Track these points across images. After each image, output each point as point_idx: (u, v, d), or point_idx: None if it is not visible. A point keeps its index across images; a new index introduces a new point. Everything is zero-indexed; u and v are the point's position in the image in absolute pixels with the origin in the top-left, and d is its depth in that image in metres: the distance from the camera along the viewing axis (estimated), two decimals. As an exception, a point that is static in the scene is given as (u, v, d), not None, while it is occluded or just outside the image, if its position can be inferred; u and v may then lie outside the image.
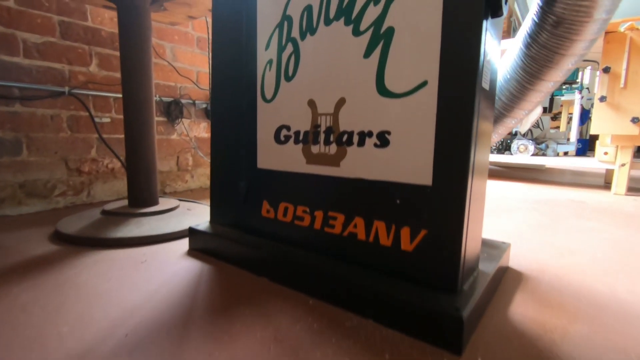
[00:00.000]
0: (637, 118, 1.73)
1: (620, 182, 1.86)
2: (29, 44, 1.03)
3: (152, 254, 0.77)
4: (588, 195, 1.76)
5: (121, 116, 1.27)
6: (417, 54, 0.50)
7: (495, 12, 0.46)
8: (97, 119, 1.20)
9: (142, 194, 0.98)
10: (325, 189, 0.62)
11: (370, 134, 0.55)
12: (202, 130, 1.55)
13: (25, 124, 1.05)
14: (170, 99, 1.40)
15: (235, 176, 0.77)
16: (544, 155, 2.29)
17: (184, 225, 0.90)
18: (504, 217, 1.24)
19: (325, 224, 0.63)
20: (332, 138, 0.60)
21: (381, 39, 0.53)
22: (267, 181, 0.71)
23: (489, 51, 0.49)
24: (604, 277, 0.71)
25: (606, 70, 1.77)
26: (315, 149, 0.62)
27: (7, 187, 1.03)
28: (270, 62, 0.67)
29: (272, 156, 0.69)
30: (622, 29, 1.71)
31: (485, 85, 0.50)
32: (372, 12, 0.53)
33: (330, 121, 0.60)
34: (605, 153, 1.94)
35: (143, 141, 0.96)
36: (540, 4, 0.50)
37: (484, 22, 0.45)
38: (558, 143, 2.36)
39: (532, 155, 2.21)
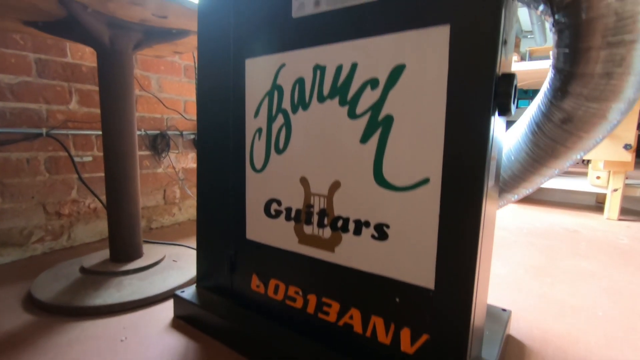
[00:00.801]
0: (629, 145, 1.73)
1: (612, 207, 1.85)
2: (2, 85, 0.97)
3: (133, 327, 0.72)
4: (581, 222, 1.75)
5: (104, 153, 1.21)
6: (419, 147, 0.46)
7: (504, 111, 0.42)
8: (77, 159, 1.14)
9: (124, 247, 0.93)
10: (319, 272, 0.58)
11: (367, 224, 0.51)
12: (189, 160, 1.50)
13: (-2, 170, 0.98)
14: (156, 132, 1.34)
15: (222, 242, 0.72)
16: (536, 175, 2.28)
17: (168, 284, 0.85)
18: (500, 255, 1.21)
19: (319, 310, 0.58)
20: (326, 221, 0.56)
21: (379, 126, 0.49)
22: (256, 254, 0.66)
23: (496, 148, 0.46)
24: (609, 351, 0.68)
25: (599, 96, 1.76)
26: (308, 229, 0.58)
27: (-21, 239, 0.97)
28: (259, 130, 0.63)
29: (262, 229, 0.65)
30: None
31: (491, 182, 0.46)
32: (370, 97, 0.49)
33: (324, 203, 0.56)
34: (598, 177, 1.94)
35: (125, 189, 0.91)
36: (549, 96, 0.47)
37: (492, 119, 0.42)
38: (550, 163, 2.35)
39: (525, 176, 2.20)
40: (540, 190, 2.56)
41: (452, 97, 0.43)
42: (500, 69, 0.43)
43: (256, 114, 0.63)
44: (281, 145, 0.60)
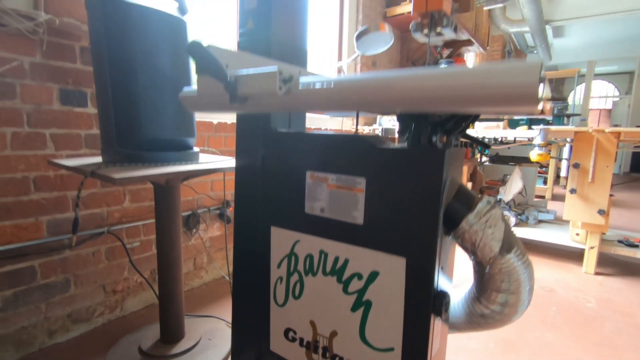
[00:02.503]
0: (603, 210, 1.94)
1: (589, 262, 2.06)
2: (75, 200, 1.24)
3: (186, 408, 0.97)
4: (560, 277, 1.96)
5: (148, 237, 1.47)
6: (387, 325, 0.70)
7: (439, 314, 0.66)
8: (128, 245, 1.41)
9: (172, 328, 1.19)
10: (323, 387, 0.82)
11: (355, 365, 0.76)
12: (215, 230, 1.75)
13: (72, 265, 1.25)
14: (189, 213, 1.60)
15: (251, 348, 0.97)
16: (527, 220, 2.49)
17: (208, 365, 1.11)
18: (478, 324, 1.44)
19: (322, 413, 0.83)
20: (327, 355, 0.80)
21: (362, 304, 0.73)
22: (278, 362, 0.91)
23: (436, 334, 0.70)
24: None
25: (576, 166, 1.97)
26: (315, 357, 0.83)
27: (58, 320, 1.24)
28: (280, 278, 0.88)
29: (282, 346, 0.89)
30: (590, 130, 1.91)
31: (434, 351, 0.70)
32: (356, 284, 0.74)
33: (327, 343, 0.80)
34: (577, 234, 2.15)
35: (172, 282, 1.17)
36: (476, 294, 0.70)
37: (431, 318, 0.66)
38: (539, 211, 2.56)
39: (514, 226, 2.41)
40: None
41: (408, 300, 0.67)
42: (438, 286, 0.67)
43: (279, 266, 0.88)
44: (297, 293, 0.85)
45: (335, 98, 0.46)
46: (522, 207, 2.63)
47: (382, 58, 3.06)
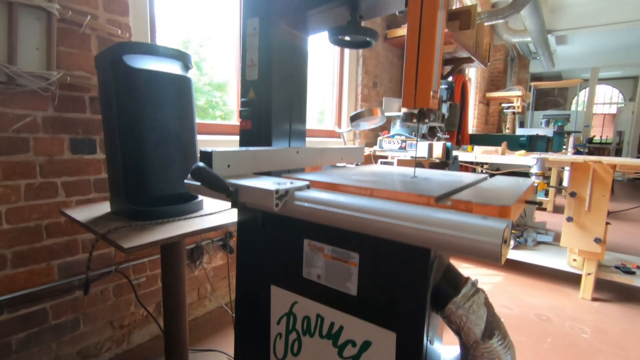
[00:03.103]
0: (599, 239, 1.97)
1: (586, 288, 2.09)
2: (86, 241, 1.29)
3: None
4: (556, 304, 1.99)
5: (154, 272, 1.53)
6: (380, 393, 0.75)
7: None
8: (134, 281, 1.46)
9: (176, 368, 1.24)
10: None
11: None
12: (218, 259, 1.80)
13: (82, 304, 1.31)
14: (192, 246, 1.65)
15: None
16: (526, 242, 2.52)
17: (211, 405, 1.16)
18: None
19: None
20: (324, 412, 0.85)
21: (357, 370, 0.78)
22: (277, 412, 0.96)
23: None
24: None
25: (573, 194, 2.00)
26: (312, 412, 0.87)
27: (69, 358, 1.29)
28: (280, 334, 0.92)
29: (282, 397, 0.94)
30: (587, 161, 1.94)
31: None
32: (351, 350, 0.78)
33: (323, 401, 0.85)
34: (574, 260, 2.18)
35: (178, 324, 1.22)
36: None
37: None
38: (538, 233, 2.59)
39: (513, 248, 2.44)
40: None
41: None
42: (427, 357, 0.71)
43: (278, 322, 0.93)
44: (295, 351, 0.89)
45: (324, 216, 0.51)
46: (521, 228, 2.66)
47: (383, 77, 3.10)
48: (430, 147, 1.69)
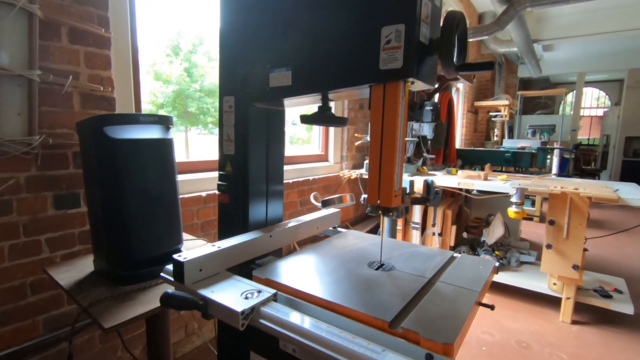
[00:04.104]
0: (577, 265, 2.03)
1: (566, 311, 2.16)
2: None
3: None
4: (536, 328, 2.05)
5: (141, 315, 1.55)
6: None
7: None
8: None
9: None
10: None
11: None
12: (206, 295, 1.83)
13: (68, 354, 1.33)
14: (179, 285, 1.68)
15: None
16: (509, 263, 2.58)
17: None
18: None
19: None
20: None
21: None
22: None
23: None
24: None
25: (551, 222, 2.07)
26: None
27: (56, 409, 1.31)
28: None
29: None
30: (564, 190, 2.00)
31: None
32: None
33: None
34: (554, 284, 2.24)
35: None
36: None
37: None
38: (521, 253, 2.66)
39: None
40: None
41: None
42: None
43: (258, 387, 0.96)
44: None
45: (283, 337, 0.54)
46: (505, 248, 2.73)
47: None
48: (412, 184, 1.73)
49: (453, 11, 0.67)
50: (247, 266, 0.85)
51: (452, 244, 2.70)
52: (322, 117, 0.80)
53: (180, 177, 1.72)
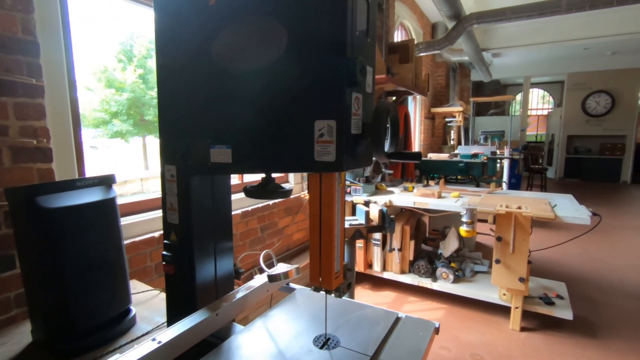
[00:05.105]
0: (523, 278, 2.18)
1: (515, 319, 2.31)
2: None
3: None
4: (489, 339, 2.18)
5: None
6: None
7: None
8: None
9: None
10: None
11: None
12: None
13: None
14: (134, 333, 1.61)
15: None
16: (463, 275, 2.72)
17: None
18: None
19: None
20: None
21: None
22: None
23: None
24: None
25: (499, 239, 2.20)
26: None
27: None
28: None
29: None
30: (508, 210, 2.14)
31: None
32: None
33: None
34: (504, 294, 2.39)
35: None
36: None
37: None
38: (475, 263, 2.81)
39: (453, 282, 2.63)
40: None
41: None
42: None
43: None
44: None
45: None
46: (460, 259, 2.87)
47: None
48: (367, 214, 1.78)
49: (383, 102, 0.70)
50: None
51: (411, 258, 2.80)
52: (265, 193, 0.80)
53: (130, 219, 1.66)
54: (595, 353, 2.08)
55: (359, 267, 2.92)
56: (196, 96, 0.83)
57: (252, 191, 0.83)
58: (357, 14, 0.64)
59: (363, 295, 2.83)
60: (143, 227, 1.67)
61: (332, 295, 0.74)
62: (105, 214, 1.09)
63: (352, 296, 1.81)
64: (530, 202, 2.33)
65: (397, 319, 0.88)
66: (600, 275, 3.18)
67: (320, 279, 0.73)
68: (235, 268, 2.19)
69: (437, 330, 0.85)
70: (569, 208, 2.22)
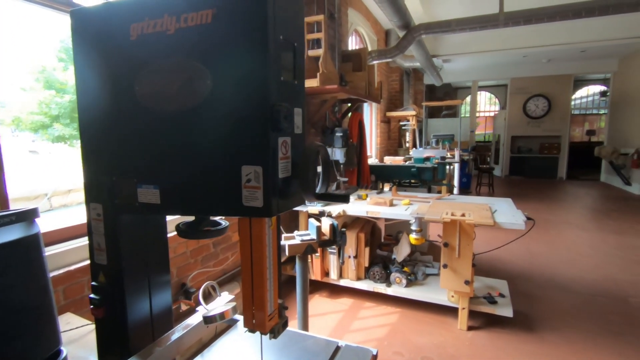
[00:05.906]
0: (468, 281, 2.31)
1: (462, 319, 2.44)
2: None
3: None
4: (439, 340, 2.28)
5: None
6: None
7: None
8: None
9: None
10: None
11: None
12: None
13: None
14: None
15: None
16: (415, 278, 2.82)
17: None
18: None
19: None
20: None
21: None
22: None
23: None
24: None
25: (445, 245, 2.31)
26: None
27: None
28: None
29: None
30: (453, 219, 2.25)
31: None
32: None
33: None
34: (452, 296, 2.52)
35: None
36: None
37: None
38: (426, 266, 2.93)
39: (406, 286, 2.72)
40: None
41: None
42: None
43: None
44: None
45: None
46: (413, 263, 2.98)
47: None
48: (319, 229, 1.80)
49: (311, 144, 0.70)
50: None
51: (366, 264, 2.86)
52: (197, 233, 0.78)
53: (63, 247, 1.55)
54: (534, 347, 2.25)
55: (316, 275, 2.94)
56: (120, 133, 0.79)
57: (185, 230, 0.80)
58: (281, 61, 0.64)
59: (320, 303, 2.85)
60: (78, 254, 1.56)
61: (269, 336, 0.74)
62: (27, 253, 1.00)
63: (305, 308, 1.82)
64: (473, 209, 2.47)
65: (337, 349, 0.89)
66: (538, 271, 3.45)
67: (254, 321, 0.72)
68: (186, 288, 2.12)
69: (374, 358, 0.87)
70: (507, 213, 2.39)
